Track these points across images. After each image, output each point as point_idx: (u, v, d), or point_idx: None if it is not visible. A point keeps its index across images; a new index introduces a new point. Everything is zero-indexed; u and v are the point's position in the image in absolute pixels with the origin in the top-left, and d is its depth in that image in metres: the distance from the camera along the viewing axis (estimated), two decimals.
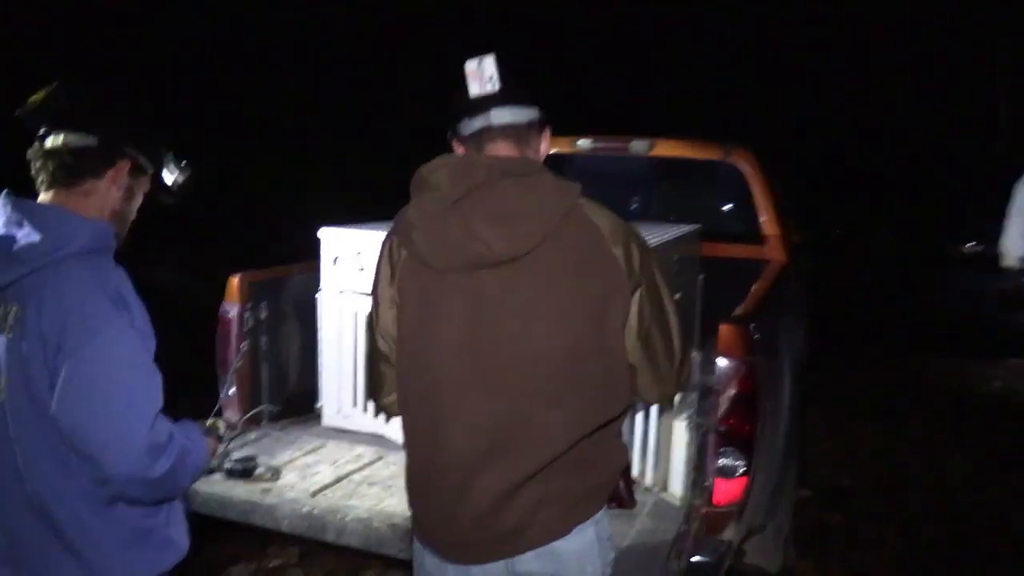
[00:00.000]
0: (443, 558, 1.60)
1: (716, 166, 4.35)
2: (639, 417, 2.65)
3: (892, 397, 6.08)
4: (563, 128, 4.31)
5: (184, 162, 1.81)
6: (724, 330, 2.50)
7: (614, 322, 1.56)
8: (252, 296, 3.03)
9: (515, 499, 1.52)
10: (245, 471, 2.63)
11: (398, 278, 1.63)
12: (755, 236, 4.26)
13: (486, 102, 1.61)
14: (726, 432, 2.50)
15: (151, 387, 1.56)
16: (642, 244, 1.63)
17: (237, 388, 2.97)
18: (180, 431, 1.62)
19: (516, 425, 1.52)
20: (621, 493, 1.68)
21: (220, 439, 2.00)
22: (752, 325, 2.70)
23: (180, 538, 1.71)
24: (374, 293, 1.70)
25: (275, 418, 3.15)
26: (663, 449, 2.52)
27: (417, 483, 1.65)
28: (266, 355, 3.09)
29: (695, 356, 2.41)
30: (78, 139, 1.64)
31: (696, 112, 12.04)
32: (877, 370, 6.76)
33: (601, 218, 1.59)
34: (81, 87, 1.69)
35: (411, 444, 1.67)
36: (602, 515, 1.63)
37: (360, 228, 3.07)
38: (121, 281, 1.60)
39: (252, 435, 2.98)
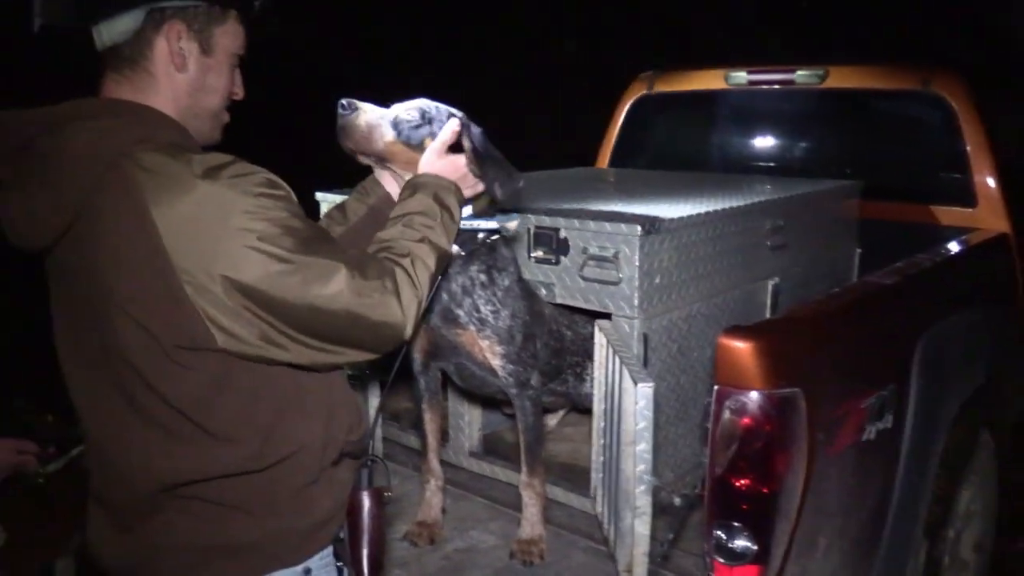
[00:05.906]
0: None
1: (912, 98, 3.17)
2: (601, 458, 1.90)
3: None
4: (700, 57, 3.43)
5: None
6: (723, 346, 1.67)
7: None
8: None
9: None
10: None
11: None
12: (963, 194, 3.06)
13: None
14: (719, 496, 1.68)
15: None
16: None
17: None
18: None
19: None
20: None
21: None
22: (803, 333, 1.80)
23: None
24: None
25: None
26: (621, 510, 1.76)
27: None
28: None
29: None
30: None
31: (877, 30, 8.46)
32: None
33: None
34: None
35: None
36: None
37: None
38: None
39: None
